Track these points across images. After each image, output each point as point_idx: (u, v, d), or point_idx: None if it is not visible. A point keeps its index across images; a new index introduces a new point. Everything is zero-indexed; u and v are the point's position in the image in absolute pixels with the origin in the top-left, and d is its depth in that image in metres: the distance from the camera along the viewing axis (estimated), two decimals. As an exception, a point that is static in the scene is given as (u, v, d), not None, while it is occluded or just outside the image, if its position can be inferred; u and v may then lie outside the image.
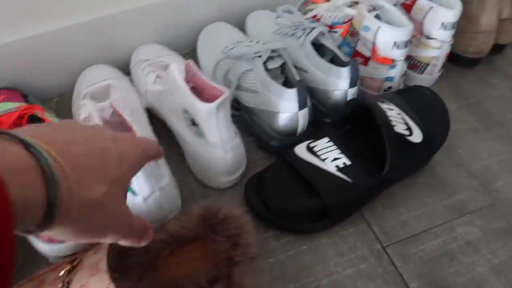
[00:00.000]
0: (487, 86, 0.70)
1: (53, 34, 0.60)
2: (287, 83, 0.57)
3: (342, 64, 0.57)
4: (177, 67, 0.48)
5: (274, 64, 0.58)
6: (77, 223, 0.24)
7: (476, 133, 0.62)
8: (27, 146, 0.22)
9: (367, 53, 0.61)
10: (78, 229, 0.24)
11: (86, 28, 0.62)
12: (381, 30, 0.58)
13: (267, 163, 0.56)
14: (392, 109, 0.51)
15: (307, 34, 0.59)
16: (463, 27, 0.68)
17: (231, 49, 0.60)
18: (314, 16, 0.71)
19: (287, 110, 0.53)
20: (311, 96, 0.59)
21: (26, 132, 0.23)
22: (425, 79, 0.67)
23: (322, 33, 0.60)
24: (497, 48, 0.75)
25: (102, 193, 0.25)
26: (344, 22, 0.66)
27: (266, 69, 0.57)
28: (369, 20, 0.59)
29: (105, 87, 0.57)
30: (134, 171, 0.29)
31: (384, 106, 0.51)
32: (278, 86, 0.53)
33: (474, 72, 0.72)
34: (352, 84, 0.56)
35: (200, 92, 0.50)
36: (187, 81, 0.50)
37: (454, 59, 0.72)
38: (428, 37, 0.63)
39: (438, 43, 0.63)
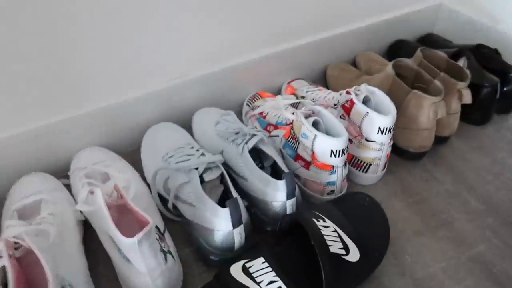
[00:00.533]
0: (432, 181, 0.71)
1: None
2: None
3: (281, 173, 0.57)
4: (101, 193, 0.47)
5: (211, 175, 0.57)
6: None
7: (420, 236, 0.62)
8: None
9: (307, 158, 0.62)
10: None
11: (24, 136, 0.61)
12: (318, 139, 0.58)
13: (208, 277, 0.54)
14: (327, 227, 0.50)
15: (246, 142, 0.59)
16: (404, 123, 0.70)
17: (170, 157, 0.59)
18: (261, 113, 0.72)
19: (222, 228, 0.52)
20: (252, 204, 0.59)
21: None
22: (370, 177, 0.68)
23: (262, 140, 0.60)
24: (441, 140, 0.77)
25: None
26: (287, 124, 0.67)
27: (203, 181, 0.56)
28: (307, 128, 0.60)
29: (36, 203, 0.55)
30: None
31: (320, 224, 0.50)
32: (211, 203, 0.52)
33: (420, 166, 0.73)
34: (289, 196, 0.55)
35: (127, 214, 0.49)
36: (113, 204, 0.49)
37: (399, 153, 0.73)
38: (368, 140, 0.64)
39: (378, 145, 0.64)
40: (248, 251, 0.51)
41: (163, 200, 0.60)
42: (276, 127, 0.68)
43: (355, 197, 0.59)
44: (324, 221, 0.51)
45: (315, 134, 0.59)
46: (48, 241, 0.47)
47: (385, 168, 0.69)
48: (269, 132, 0.69)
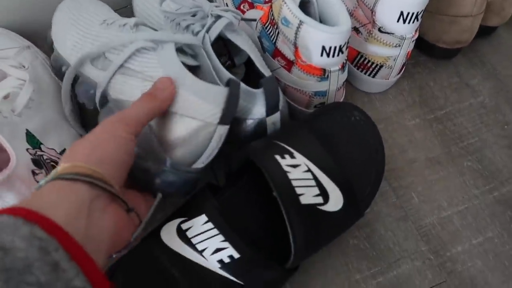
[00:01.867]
0: (463, 90, 0.52)
1: None
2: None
3: (259, 76, 0.39)
4: None
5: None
6: None
7: (437, 166, 0.46)
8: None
9: (289, 55, 0.43)
10: None
11: None
12: (304, 28, 0.38)
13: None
14: (297, 165, 0.34)
15: (208, 28, 0.39)
16: (437, 6, 0.49)
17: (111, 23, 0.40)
18: (234, -16, 0.51)
19: (209, 117, 0.34)
20: None
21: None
22: (378, 83, 0.49)
23: (231, 25, 0.40)
24: (484, 31, 0.55)
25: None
26: (265, 2, 0.46)
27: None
28: (289, 9, 0.39)
29: None
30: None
31: (286, 162, 0.34)
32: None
33: (450, 68, 0.53)
34: (270, 111, 0.38)
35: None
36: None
37: (424, 48, 0.53)
38: (382, 31, 0.44)
39: (396, 40, 0.44)
40: (184, 206, 0.36)
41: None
42: (252, 5, 0.47)
43: (338, 112, 0.40)
44: (293, 156, 0.35)
45: (300, 19, 0.38)
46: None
47: (402, 71, 0.49)
48: (243, 12, 0.48)
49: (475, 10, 0.48)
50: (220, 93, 0.33)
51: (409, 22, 0.42)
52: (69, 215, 0.24)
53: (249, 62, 0.44)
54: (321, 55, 0.39)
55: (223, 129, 0.34)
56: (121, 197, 0.28)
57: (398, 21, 0.42)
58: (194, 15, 0.41)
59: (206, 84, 0.34)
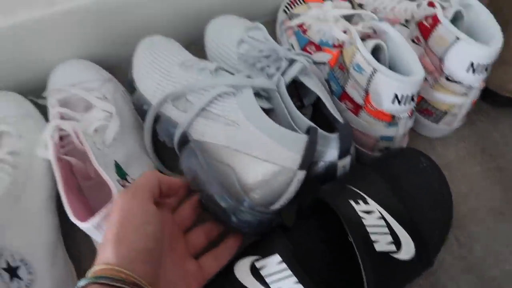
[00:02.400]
0: (526, 139, 0.51)
1: None
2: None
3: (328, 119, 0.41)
4: (52, 143, 0.33)
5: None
6: None
7: (500, 217, 0.45)
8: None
9: (358, 100, 0.44)
10: None
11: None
12: (378, 76, 0.40)
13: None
14: (371, 212, 0.35)
15: (283, 71, 0.41)
16: (502, 56, 0.49)
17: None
18: (301, 25, 0.53)
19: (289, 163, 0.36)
20: None
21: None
22: (441, 129, 0.50)
23: (304, 68, 0.42)
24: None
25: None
26: (335, 46, 0.48)
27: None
28: (363, 57, 0.41)
29: (-6, 135, 0.43)
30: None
31: (360, 208, 0.35)
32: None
33: None
34: (342, 155, 0.39)
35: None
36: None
37: (487, 96, 0.53)
38: (450, 79, 0.44)
39: (463, 89, 0.44)
40: (257, 243, 0.37)
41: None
42: (319, 48, 0.49)
43: (405, 158, 0.41)
44: (366, 202, 0.36)
45: (374, 67, 0.40)
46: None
47: (464, 118, 0.50)
48: (310, 53, 0.50)
49: (543, 61, 0.48)
50: (300, 140, 0.35)
51: (478, 73, 0.43)
52: None
53: (316, 103, 0.46)
54: (393, 102, 0.40)
55: (302, 174, 0.36)
56: None
57: (467, 71, 0.43)
58: (267, 57, 0.43)
59: (286, 131, 0.35)
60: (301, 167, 0.35)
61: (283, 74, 0.41)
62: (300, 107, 0.45)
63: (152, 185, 0.33)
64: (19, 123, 0.44)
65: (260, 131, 0.36)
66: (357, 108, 0.44)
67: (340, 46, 0.46)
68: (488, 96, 0.53)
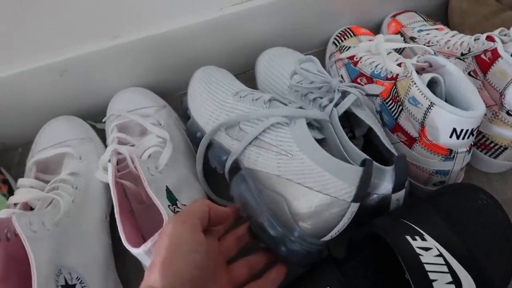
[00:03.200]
0: None
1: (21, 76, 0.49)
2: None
3: (380, 150, 0.40)
4: (112, 168, 0.35)
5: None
6: None
7: None
8: None
9: (413, 133, 0.43)
10: None
11: (48, 71, 0.49)
12: (436, 110, 0.39)
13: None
14: (429, 248, 0.33)
15: (336, 103, 0.41)
16: None
17: (242, 97, 0.44)
18: (352, 57, 0.53)
19: (343, 195, 0.35)
20: None
21: None
22: (499, 165, 0.47)
23: (357, 100, 0.42)
24: None
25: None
26: (387, 79, 0.47)
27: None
28: (419, 90, 0.40)
29: (58, 157, 0.45)
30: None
31: (417, 244, 0.33)
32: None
33: None
34: (397, 188, 0.38)
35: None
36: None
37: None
38: (510, 113, 0.43)
39: (525, 124, 0.43)
40: (306, 274, 0.36)
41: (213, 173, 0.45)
42: (370, 80, 0.49)
43: (463, 193, 0.40)
44: (423, 239, 0.34)
45: (431, 101, 0.39)
46: (54, 217, 0.37)
47: (526, 154, 0.47)
48: (361, 85, 0.50)
49: None
50: (355, 172, 0.34)
51: (543, 109, 0.41)
52: None
53: (366, 135, 0.45)
54: (451, 136, 0.39)
55: (355, 207, 0.35)
56: None
57: (530, 106, 0.41)
58: (320, 88, 0.44)
59: (341, 162, 0.35)
60: (355, 199, 0.34)
61: (336, 105, 0.41)
62: (352, 138, 0.45)
63: (202, 213, 0.34)
64: (80, 146, 0.47)
65: (314, 162, 0.36)
66: (411, 141, 0.43)
67: (392, 79, 0.46)
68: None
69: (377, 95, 0.46)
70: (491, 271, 0.35)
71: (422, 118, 0.40)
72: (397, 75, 0.45)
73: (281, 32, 0.58)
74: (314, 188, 0.35)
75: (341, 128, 0.40)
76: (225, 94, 0.45)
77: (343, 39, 0.57)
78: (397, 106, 0.44)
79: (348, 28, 0.59)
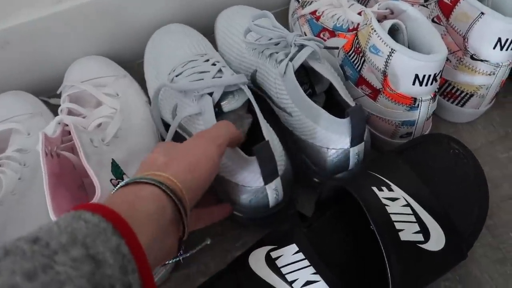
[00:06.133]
0: (561, 121, 0.48)
1: None
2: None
3: (341, 105, 0.39)
4: (42, 136, 0.32)
5: (234, 103, 0.40)
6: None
7: (537, 205, 0.42)
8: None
9: (376, 84, 0.41)
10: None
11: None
12: (397, 56, 0.37)
13: (228, 241, 0.40)
14: (396, 199, 0.32)
15: (292, 57, 0.39)
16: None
17: (177, 75, 0.42)
18: (314, 12, 0.51)
19: (249, 183, 0.36)
20: (299, 148, 0.41)
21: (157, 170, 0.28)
22: (467, 113, 0.46)
23: (314, 53, 0.40)
24: None
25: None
26: (349, 30, 0.45)
27: (222, 111, 0.39)
28: (379, 37, 0.38)
29: (4, 133, 0.42)
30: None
31: (384, 195, 0.32)
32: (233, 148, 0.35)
33: (544, 97, 0.50)
34: (355, 142, 0.37)
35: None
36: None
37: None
38: (475, 58, 0.42)
39: (490, 68, 0.41)
40: (273, 232, 0.35)
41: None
42: (333, 33, 0.47)
43: (434, 144, 0.39)
44: (390, 189, 0.33)
45: (392, 47, 0.37)
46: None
47: (493, 101, 0.47)
48: (323, 40, 0.48)
49: None
50: (251, 162, 0.34)
51: (507, 49, 0.40)
52: (152, 237, 0.23)
53: (329, 91, 0.44)
54: (413, 83, 0.38)
55: (274, 184, 0.35)
56: (186, 230, 0.28)
57: (494, 48, 0.40)
58: (277, 44, 0.41)
59: (238, 152, 0.35)
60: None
61: (291, 59, 0.39)
62: (312, 95, 0.43)
63: (229, 139, 0.32)
64: (28, 121, 0.44)
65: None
66: (375, 93, 0.42)
67: (354, 30, 0.44)
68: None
69: (336, 48, 0.44)
70: (461, 221, 0.35)
71: (384, 66, 0.39)
72: (358, 24, 0.43)
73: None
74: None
75: (297, 84, 0.38)
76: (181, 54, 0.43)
77: (305, -6, 0.55)
78: (360, 57, 0.42)
79: (310, -17, 0.56)
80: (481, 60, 0.41)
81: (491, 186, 0.43)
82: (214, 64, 0.42)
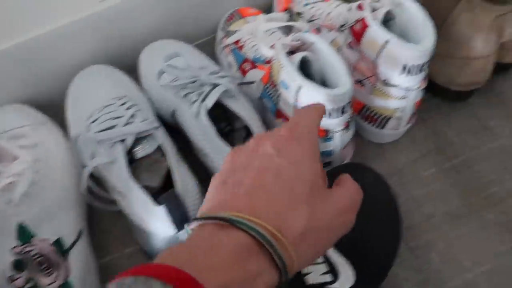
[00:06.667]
0: (482, 134, 0.49)
1: None
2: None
3: None
4: None
5: (148, 148, 0.39)
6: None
7: (457, 222, 0.43)
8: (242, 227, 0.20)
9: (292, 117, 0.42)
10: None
11: None
12: (304, 91, 0.38)
13: None
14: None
15: (204, 98, 0.39)
16: (447, 49, 0.47)
17: (93, 121, 0.42)
18: (237, 42, 0.51)
19: (159, 231, 0.36)
20: None
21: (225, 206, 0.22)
22: (388, 134, 0.47)
23: (228, 92, 0.40)
24: (502, 68, 0.53)
25: (305, 224, 0.22)
26: (266, 62, 0.45)
27: (134, 158, 0.39)
28: (287, 72, 0.39)
29: None
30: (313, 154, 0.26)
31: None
32: (141, 195, 0.35)
33: (465, 110, 0.51)
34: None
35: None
36: None
37: (436, 92, 0.51)
38: (387, 83, 0.42)
39: (401, 92, 0.42)
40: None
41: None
42: (253, 65, 0.47)
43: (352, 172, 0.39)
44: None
45: (299, 83, 0.38)
46: None
47: (412, 120, 0.47)
48: (245, 72, 0.48)
49: (487, 51, 0.45)
50: (159, 210, 0.34)
51: (413, 74, 0.41)
52: None
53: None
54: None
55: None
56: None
57: (401, 74, 0.41)
58: (193, 82, 0.41)
59: (146, 200, 0.35)
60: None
61: (204, 99, 0.39)
62: (232, 131, 0.43)
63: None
64: None
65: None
66: None
67: (269, 62, 0.44)
68: (438, 92, 0.51)
69: (251, 83, 0.44)
70: (374, 253, 0.35)
71: (294, 100, 0.39)
72: (271, 58, 0.43)
73: (166, 23, 0.55)
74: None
75: (210, 125, 0.38)
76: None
77: (230, 23, 0.55)
78: (275, 90, 0.42)
79: (236, 10, 0.56)
80: (392, 85, 0.42)
81: (414, 206, 0.44)
82: (129, 108, 0.41)
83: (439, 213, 0.44)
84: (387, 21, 0.43)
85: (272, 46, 0.44)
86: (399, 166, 0.47)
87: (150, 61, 0.48)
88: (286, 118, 0.43)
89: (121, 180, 0.37)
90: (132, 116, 0.40)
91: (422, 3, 0.46)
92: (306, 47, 0.42)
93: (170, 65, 0.41)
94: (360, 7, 0.43)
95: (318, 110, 0.29)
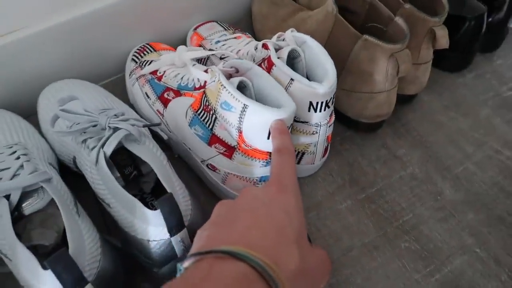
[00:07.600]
0: (392, 162, 0.51)
1: None
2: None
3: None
4: None
5: (36, 204, 0.35)
6: None
7: (374, 252, 0.43)
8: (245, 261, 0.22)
9: (230, 141, 0.40)
10: None
11: None
12: (250, 111, 0.36)
13: None
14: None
15: (103, 144, 0.36)
16: (352, 85, 0.49)
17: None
18: (155, 72, 0.48)
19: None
20: (127, 241, 0.38)
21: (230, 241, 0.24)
22: (305, 169, 0.47)
23: (130, 136, 0.37)
24: (405, 99, 0.56)
25: (298, 264, 0.24)
26: (196, 88, 0.43)
27: (22, 214, 0.35)
28: (230, 94, 0.37)
29: None
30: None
31: None
32: (29, 257, 0.31)
33: (376, 140, 0.53)
34: (174, 231, 0.34)
35: None
36: None
37: (348, 124, 0.53)
38: (296, 120, 0.42)
39: (311, 128, 0.43)
40: None
41: None
42: (178, 93, 0.45)
43: None
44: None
45: (244, 103, 0.36)
46: None
47: (326, 153, 0.48)
48: (167, 101, 0.45)
49: (388, 86, 0.48)
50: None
51: (320, 111, 0.41)
52: None
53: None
54: (268, 137, 0.37)
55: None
56: None
57: (309, 110, 0.41)
58: (94, 126, 0.38)
59: (36, 266, 0.31)
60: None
61: (103, 145, 0.36)
62: (139, 176, 0.40)
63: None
64: None
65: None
66: (230, 150, 0.40)
67: (201, 88, 0.42)
68: (349, 124, 0.52)
69: (158, 124, 0.41)
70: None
71: (238, 122, 0.38)
72: (205, 82, 0.42)
73: (70, 61, 0.51)
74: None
75: (109, 173, 0.35)
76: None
77: (142, 54, 0.53)
78: (210, 115, 0.40)
79: (147, 44, 0.54)
80: (302, 122, 0.42)
81: (332, 241, 0.44)
82: (18, 158, 0.37)
83: (357, 246, 0.44)
84: (295, 58, 0.44)
85: (205, 71, 0.42)
86: (316, 200, 0.47)
87: (47, 104, 0.44)
88: (220, 143, 0.41)
89: (5, 239, 0.32)
90: (21, 167, 0.35)
91: (327, 42, 0.48)
92: (239, 74, 0.41)
93: (65, 110, 0.37)
94: (265, 46, 0.44)
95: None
